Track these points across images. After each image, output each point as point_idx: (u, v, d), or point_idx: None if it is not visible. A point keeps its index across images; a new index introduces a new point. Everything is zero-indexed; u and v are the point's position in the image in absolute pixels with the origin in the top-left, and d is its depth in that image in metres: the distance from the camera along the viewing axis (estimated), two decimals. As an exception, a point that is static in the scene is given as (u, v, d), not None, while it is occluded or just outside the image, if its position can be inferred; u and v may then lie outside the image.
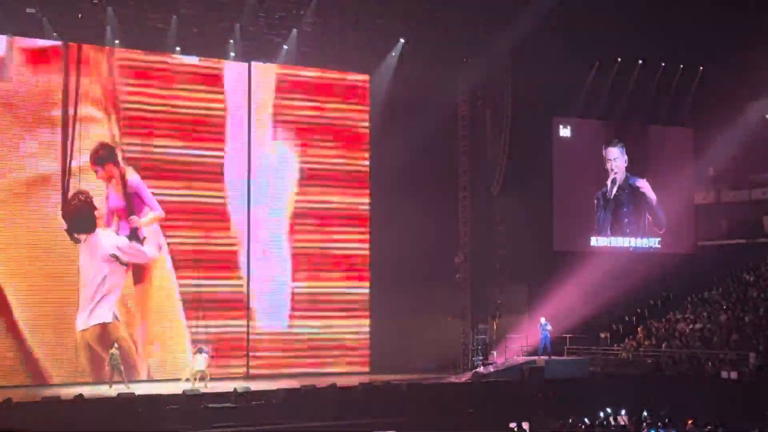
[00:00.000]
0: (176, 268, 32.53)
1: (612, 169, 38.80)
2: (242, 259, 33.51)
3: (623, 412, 27.16)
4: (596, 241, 38.46)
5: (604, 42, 36.27)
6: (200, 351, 29.72)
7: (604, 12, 34.13)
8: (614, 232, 38.76)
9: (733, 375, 29.72)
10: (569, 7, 33.68)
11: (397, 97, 34.67)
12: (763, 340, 31.19)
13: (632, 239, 39.13)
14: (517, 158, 35.17)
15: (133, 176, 31.85)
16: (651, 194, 39.38)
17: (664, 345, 34.08)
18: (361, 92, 35.47)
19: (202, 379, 29.02)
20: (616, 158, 38.88)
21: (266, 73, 33.97)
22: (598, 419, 26.70)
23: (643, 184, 39.31)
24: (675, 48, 37.36)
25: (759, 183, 40.68)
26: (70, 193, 30.89)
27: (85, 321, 31.11)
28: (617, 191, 38.90)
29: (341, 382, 29.67)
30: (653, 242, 39.53)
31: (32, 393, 27.13)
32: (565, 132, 37.99)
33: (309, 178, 34.57)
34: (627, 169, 39.13)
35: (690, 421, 25.34)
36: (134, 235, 31.83)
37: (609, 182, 38.72)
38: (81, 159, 31.08)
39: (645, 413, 26.85)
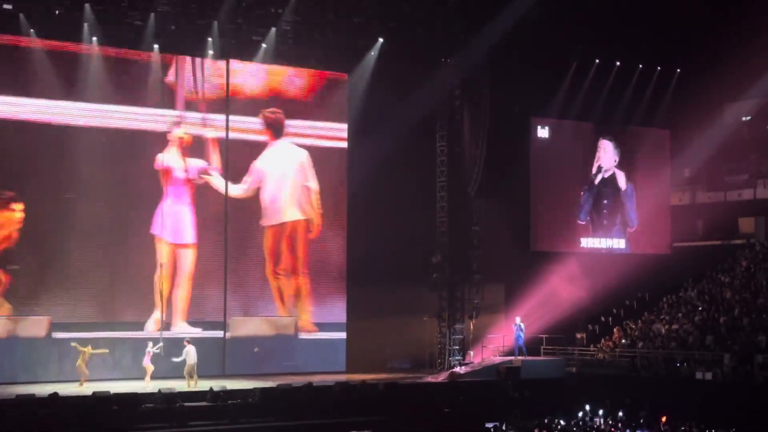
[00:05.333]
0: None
1: (599, 158, 39.04)
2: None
3: (600, 412, 27.31)
4: (573, 242, 38.56)
5: (581, 44, 36.41)
6: (189, 343, 29.56)
7: (581, 14, 34.25)
8: (593, 223, 38.86)
9: (708, 376, 29.88)
10: (547, 8, 33.78)
11: (376, 96, 34.65)
12: (738, 342, 31.36)
13: (608, 240, 39.26)
14: (495, 158, 35.22)
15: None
16: (623, 183, 39.55)
17: (640, 345, 34.22)
18: (339, 91, 35.44)
19: (191, 375, 28.91)
20: (606, 149, 39.15)
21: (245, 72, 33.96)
22: (574, 419, 26.84)
23: (620, 176, 39.60)
24: (652, 50, 37.53)
25: (734, 185, 40.94)
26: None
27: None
28: (603, 185, 39.12)
29: (317, 381, 29.66)
30: (629, 243, 39.69)
31: (7, 391, 26.97)
32: (543, 133, 38.11)
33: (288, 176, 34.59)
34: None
35: (664, 419, 25.53)
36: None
37: (594, 167, 38.96)
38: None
39: (621, 413, 27.01)
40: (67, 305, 31.34)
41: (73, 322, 31.13)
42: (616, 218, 39.56)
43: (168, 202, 32.83)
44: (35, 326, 30.70)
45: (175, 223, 33.01)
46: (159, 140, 32.74)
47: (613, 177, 39.47)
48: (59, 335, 30.50)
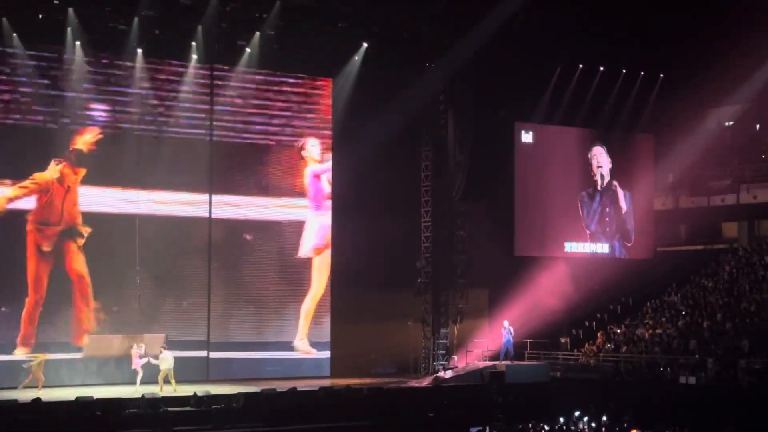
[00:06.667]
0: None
1: (598, 164, 39.12)
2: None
3: (584, 417, 27.34)
4: (557, 247, 38.57)
5: (565, 49, 36.49)
6: (166, 348, 29.66)
7: (565, 19, 34.34)
8: (596, 230, 38.93)
9: (691, 380, 29.96)
10: (531, 14, 33.86)
11: (360, 101, 34.67)
12: (722, 346, 31.47)
13: (592, 245, 39.29)
14: (479, 163, 35.26)
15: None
16: (623, 202, 39.65)
17: (623, 350, 34.28)
18: (323, 96, 35.44)
19: (167, 381, 28.94)
20: (602, 155, 39.23)
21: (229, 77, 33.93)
22: (558, 423, 26.88)
23: (619, 191, 39.65)
24: (636, 55, 37.64)
25: (717, 189, 41.04)
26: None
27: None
28: (606, 195, 39.25)
29: (302, 386, 29.63)
30: (614, 248, 39.74)
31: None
32: (527, 138, 38.09)
33: (273, 182, 34.55)
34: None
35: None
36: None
37: (598, 176, 39.09)
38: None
39: (604, 418, 27.06)
40: (183, 324, 32.65)
41: (188, 340, 32.29)
42: (617, 232, 39.65)
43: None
44: (152, 343, 30.99)
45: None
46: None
47: (614, 190, 39.55)
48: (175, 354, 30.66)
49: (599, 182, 39.26)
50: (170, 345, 30.92)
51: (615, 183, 39.52)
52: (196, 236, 33.42)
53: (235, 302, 33.89)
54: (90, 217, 31.82)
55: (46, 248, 31.21)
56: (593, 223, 38.96)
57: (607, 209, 39.34)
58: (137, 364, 29.46)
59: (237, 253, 33.95)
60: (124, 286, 32.05)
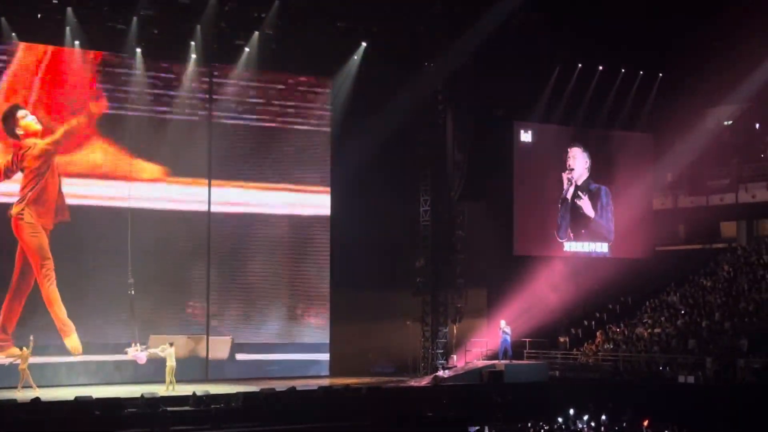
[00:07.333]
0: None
1: (569, 167, 38.99)
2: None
3: (584, 417, 27.35)
4: (556, 246, 38.59)
5: (564, 48, 36.51)
6: (170, 345, 29.55)
7: (564, 18, 34.36)
8: (574, 233, 38.88)
9: (690, 379, 29.99)
10: (530, 13, 33.88)
11: (359, 100, 34.66)
12: (720, 345, 31.49)
13: (591, 244, 39.31)
14: (478, 163, 35.27)
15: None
16: (590, 210, 39.46)
17: (622, 349, 34.30)
18: (322, 95, 35.45)
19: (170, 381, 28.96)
20: (576, 157, 39.13)
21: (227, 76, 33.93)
22: (557, 423, 26.90)
23: (585, 202, 39.42)
24: (634, 54, 37.66)
25: (716, 189, 41.08)
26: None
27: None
28: (578, 193, 39.10)
29: (301, 385, 29.62)
30: (612, 247, 39.75)
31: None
32: (526, 137, 38.12)
33: (270, 180, 34.54)
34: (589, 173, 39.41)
35: (646, 423, 25.62)
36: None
37: (565, 181, 38.98)
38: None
39: (603, 417, 27.06)
40: (249, 326, 33.08)
41: (255, 343, 32.74)
42: (594, 234, 39.57)
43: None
44: (217, 347, 31.20)
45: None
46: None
47: (585, 184, 39.38)
48: (242, 357, 31.30)
49: (565, 184, 39.10)
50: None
51: (588, 183, 39.46)
52: (194, 233, 33.40)
53: (233, 301, 33.90)
54: (87, 211, 31.65)
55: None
56: (562, 228, 38.87)
57: (581, 211, 39.28)
58: (142, 359, 29.68)
59: (233, 250, 33.98)
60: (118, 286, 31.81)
